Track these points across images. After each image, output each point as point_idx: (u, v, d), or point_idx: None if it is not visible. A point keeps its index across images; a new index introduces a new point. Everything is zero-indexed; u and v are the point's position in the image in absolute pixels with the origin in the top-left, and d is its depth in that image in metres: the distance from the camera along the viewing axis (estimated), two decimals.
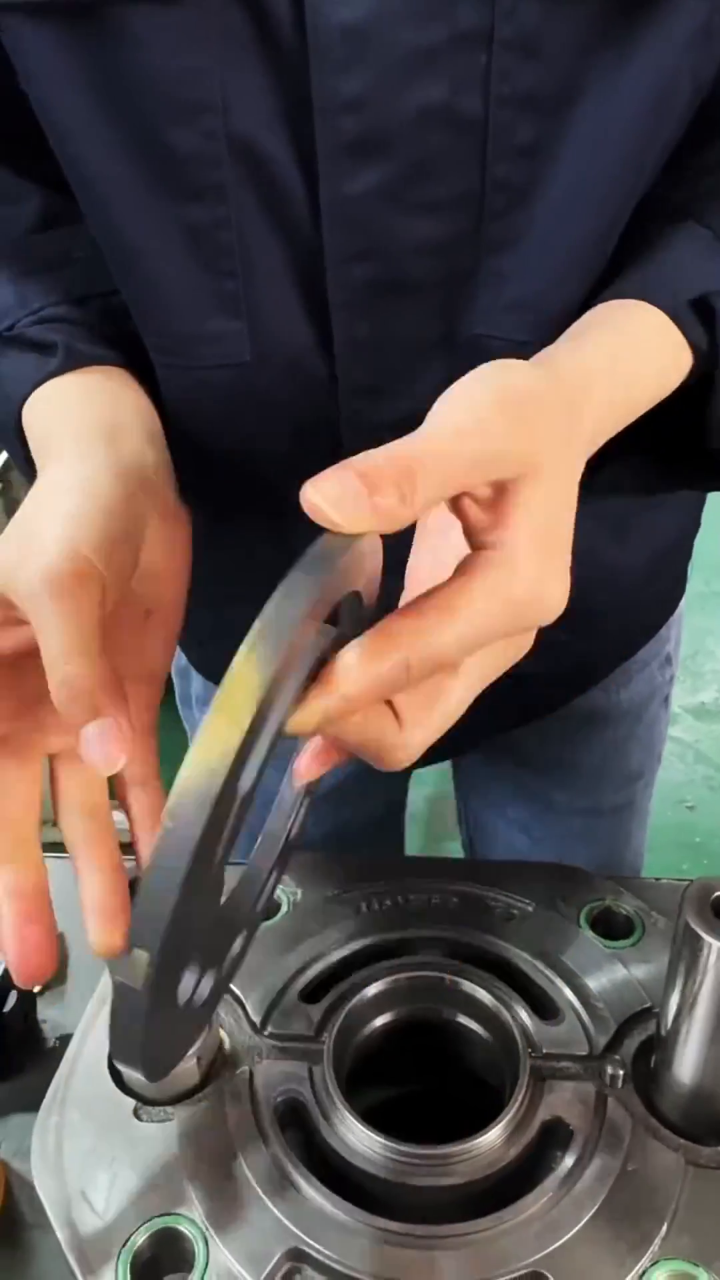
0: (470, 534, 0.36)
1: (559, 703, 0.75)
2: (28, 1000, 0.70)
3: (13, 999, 0.69)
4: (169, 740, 0.51)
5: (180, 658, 0.86)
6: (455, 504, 0.36)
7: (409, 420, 0.54)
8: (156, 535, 0.45)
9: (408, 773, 0.88)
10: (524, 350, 0.52)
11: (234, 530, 0.61)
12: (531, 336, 0.52)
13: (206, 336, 0.53)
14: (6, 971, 0.69)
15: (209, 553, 0.51)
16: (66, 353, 0.50)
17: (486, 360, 0.48)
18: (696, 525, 0.78)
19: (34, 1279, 0.57)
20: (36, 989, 0.77)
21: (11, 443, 0.53)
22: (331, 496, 0.31)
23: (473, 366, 0.50)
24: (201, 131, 0.46)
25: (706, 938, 0.41)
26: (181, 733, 1.00)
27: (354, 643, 0.32)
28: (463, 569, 0.34)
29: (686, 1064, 0.44)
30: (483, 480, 0.35)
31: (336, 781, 0.82)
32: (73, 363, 0.50)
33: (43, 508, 0.43)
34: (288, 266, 0.51)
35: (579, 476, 0.39)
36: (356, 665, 0.32)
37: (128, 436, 0.48)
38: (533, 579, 0.34)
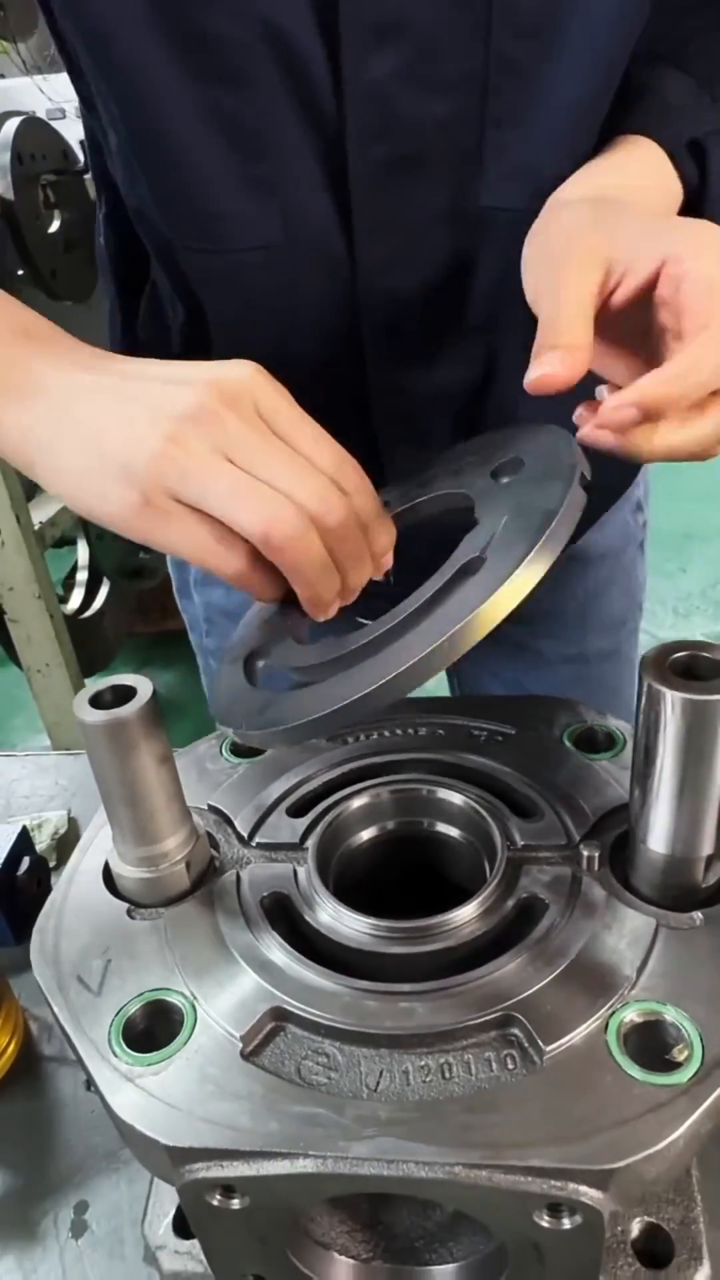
0: (663, 332, 0.47)
1: None
2: (41, 867, 0.73)
3: (25, 864, 0.71)
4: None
5: None
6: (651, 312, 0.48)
7: (419, 294, 0.62)
8: None
9: None
10: (525, 220, 0.56)
11: None
12: (529, 204, 0.56)
13: (241, 219, 0.57)
14: (20, 837, 0.72)
15: None
16: None
17: (491, 234, 0.59)
18: None
19: (52, 1107, 0.60)
20: (52, 863, 0.79)
21: None
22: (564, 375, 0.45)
23: (477, 240, 0.60)
24: (229, 12, 0.49)
25: (666, 690, 0.42)
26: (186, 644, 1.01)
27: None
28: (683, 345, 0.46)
29: (658, 829, 0.45)
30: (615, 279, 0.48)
31: None
32: None
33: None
34: (312, 148, 0.55)
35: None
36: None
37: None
38: None
